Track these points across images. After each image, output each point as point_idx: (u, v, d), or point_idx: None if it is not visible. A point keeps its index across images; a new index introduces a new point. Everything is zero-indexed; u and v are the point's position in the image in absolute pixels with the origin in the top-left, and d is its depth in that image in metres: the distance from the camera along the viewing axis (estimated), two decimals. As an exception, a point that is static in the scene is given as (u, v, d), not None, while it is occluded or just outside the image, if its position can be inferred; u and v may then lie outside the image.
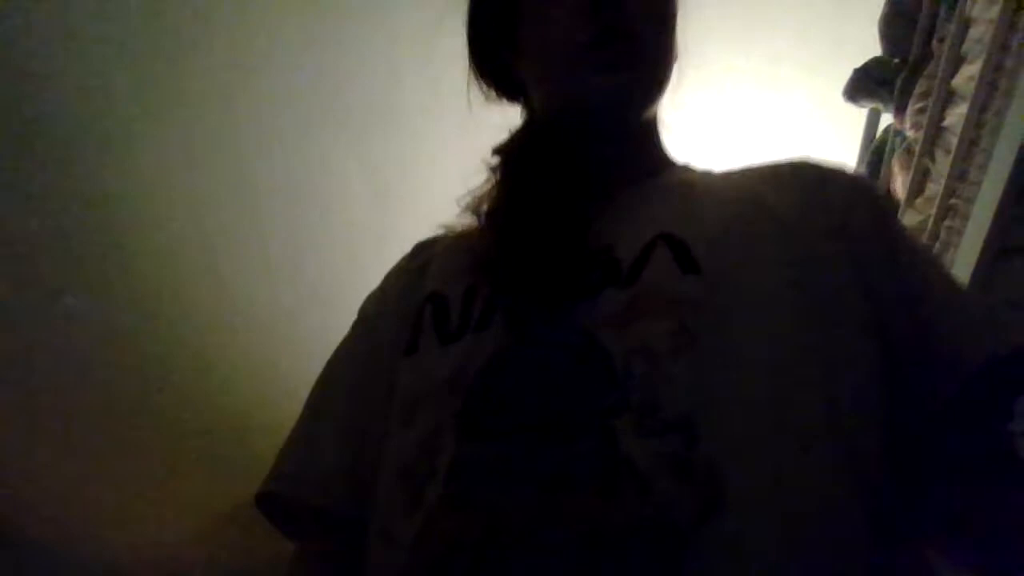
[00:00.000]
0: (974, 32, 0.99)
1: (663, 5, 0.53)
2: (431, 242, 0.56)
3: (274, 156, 2.08)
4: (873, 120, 1.37)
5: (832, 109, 1.44)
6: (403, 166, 2.09)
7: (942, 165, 1.06)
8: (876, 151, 1.32)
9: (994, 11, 0.93)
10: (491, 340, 0.42)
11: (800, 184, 0.47)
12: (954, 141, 1.01)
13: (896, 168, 1.22)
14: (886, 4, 1.20)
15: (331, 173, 2.11)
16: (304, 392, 0.57)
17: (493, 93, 0.61)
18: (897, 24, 1.17)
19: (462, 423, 0.38)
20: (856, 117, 1.41)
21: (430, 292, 0.47)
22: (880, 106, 1.26)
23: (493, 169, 0.55)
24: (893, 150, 1.24)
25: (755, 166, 0.50)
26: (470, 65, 0.61)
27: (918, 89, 1.12)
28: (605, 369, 0.37)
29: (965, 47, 1.01)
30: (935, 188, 1.09)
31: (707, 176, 0.52)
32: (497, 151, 0.56)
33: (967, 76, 0.99)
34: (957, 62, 1.03)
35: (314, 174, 2.12)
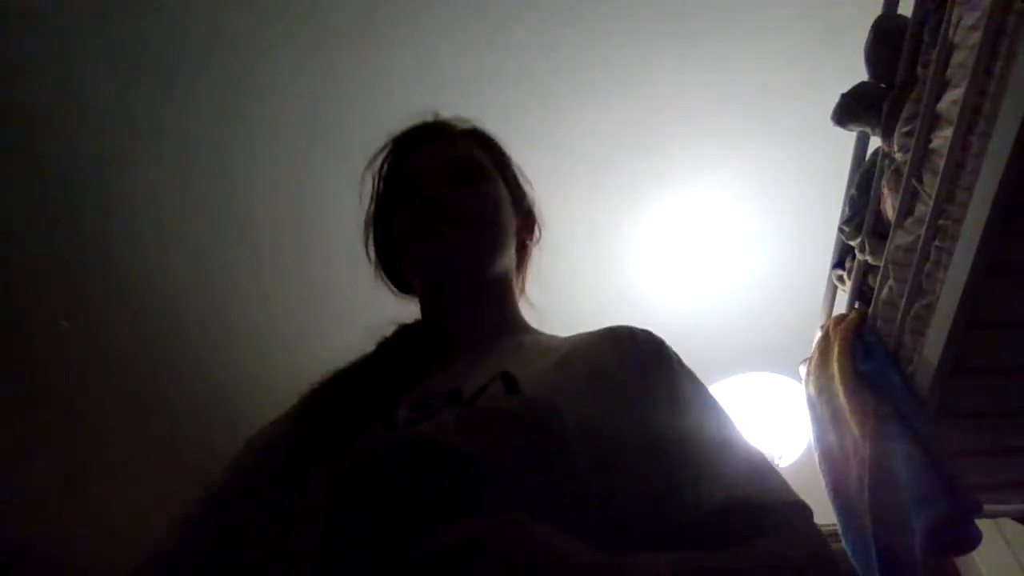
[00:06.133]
0: (957, 57, 1.01)
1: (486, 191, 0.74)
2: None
3: (268, 182, 2.10)
4: (862, 143, 1.39)
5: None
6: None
7: (930, 187, 1.08)
8: (866, 173, 1.34)
9: (975, 37, 0.95)
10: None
11: (613, 339, 0.63)
12: (941, 163, 1.03)
13: (886, 190, 1.24)
14: (871, 31, 1.23)
15: (325, 197, 2.12)
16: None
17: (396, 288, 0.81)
18: (881, 51, 1.19)
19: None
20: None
21: None
22: (868, 129, 1.28)
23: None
24: (883, 172, 1.26)
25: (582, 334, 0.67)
26: (379, 276, 0.83)
27: (905, 113, 1.14)
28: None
29: (949, 72, 1.03)
30: (924, 209, 1.10)
31: (542, 335, 0.72)
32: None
33: (951, 100, 1.01)
34: (941, 87, 1.05)
35: (308, 199, 2.13)
